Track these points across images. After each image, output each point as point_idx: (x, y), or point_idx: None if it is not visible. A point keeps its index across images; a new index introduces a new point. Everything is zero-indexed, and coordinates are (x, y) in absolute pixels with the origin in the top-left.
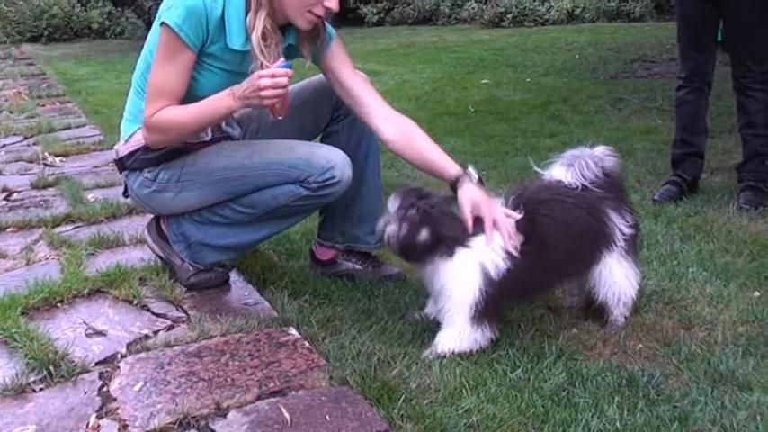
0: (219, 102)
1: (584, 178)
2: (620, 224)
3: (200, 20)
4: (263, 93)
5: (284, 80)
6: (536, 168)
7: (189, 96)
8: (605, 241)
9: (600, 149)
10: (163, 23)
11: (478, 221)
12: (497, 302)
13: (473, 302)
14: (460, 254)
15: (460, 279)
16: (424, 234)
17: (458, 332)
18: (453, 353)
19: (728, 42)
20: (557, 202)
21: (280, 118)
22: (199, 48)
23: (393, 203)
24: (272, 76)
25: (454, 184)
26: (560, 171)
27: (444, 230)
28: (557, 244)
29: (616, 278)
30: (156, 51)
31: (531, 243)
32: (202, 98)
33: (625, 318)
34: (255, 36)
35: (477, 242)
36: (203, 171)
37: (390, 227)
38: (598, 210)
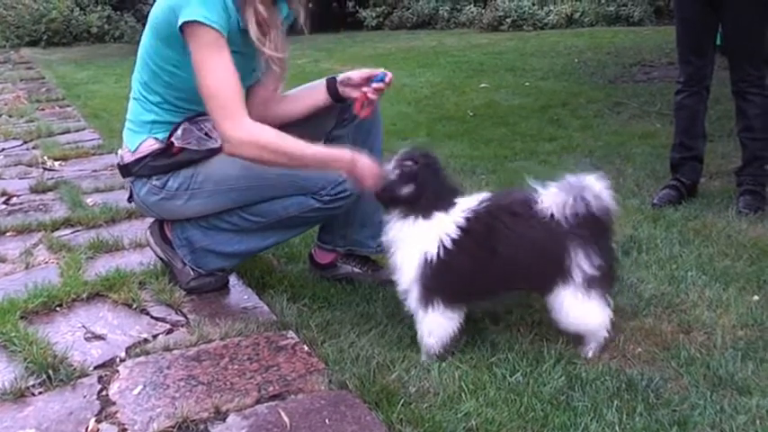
0: (338, 159)
1: (561, 214)
2: (582, 262)
3: (217, 3)
4: (361, 186)
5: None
6: (531, 182)
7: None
8: (559, 274)
9: (594, 184)
10: (189, 23)
11: None
12: (443, 284)
13: (416, 279)
14: (414, 223)
15: (408, 254)
16: (406, 190)
17: (421, 324)
18: (436, 346)
19: (727, 46)
20: (523, 221)
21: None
22: (227, 33)
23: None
24: (375, 183)
25: (331, 85)
26: (548, 195)
27: (424, 189)
28: (507, 255)
29: (571, 312)
30: (196, 55)
31: (484, 246)
32: None
33: (599, 344)
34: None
35: (431, 221)
36: (214, 179)
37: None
38: (560, 243)
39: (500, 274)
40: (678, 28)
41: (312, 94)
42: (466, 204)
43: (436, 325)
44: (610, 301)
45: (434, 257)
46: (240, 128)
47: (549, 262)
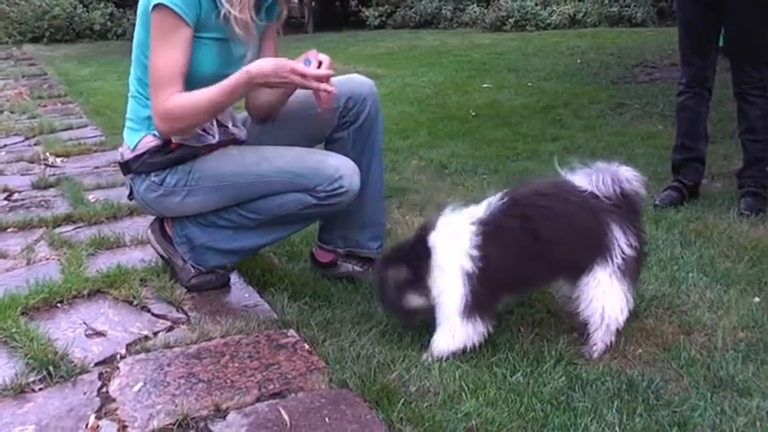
0: (237, 80)
1: (597, 190)
2: (621, 240)
3: None
4: (287, 80)
5: (312, 83)
6: (557, 168)
7: (189, 77)
8: (601, 250)
9: (624, 169)
10: (157, 5)
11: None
12: (488, 294)
13: (461, 295)
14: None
15: (446, 275)
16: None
17: (449, 329)
18: (449, 352)
19: (729, 48)
20: (559, 197)
21: (320, 109)
22: (195, 23)
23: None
24: (303, 76)
25: None
26: (579, 177)
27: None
28: (549, 236)
29: (602, 296)
30: (152, 36)
31: (523, 233)
32: (202, 77)
33: (606, 344)
34: None
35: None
36: (211, 176)
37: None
38: (601, 217)
39: (543, 257)
40: (680, 30)
41: None
42: (473, 210)
43: (463, 337)
44: (633, 295)
45: (473, 268)
46: (159, 102)
47: (592, 239)
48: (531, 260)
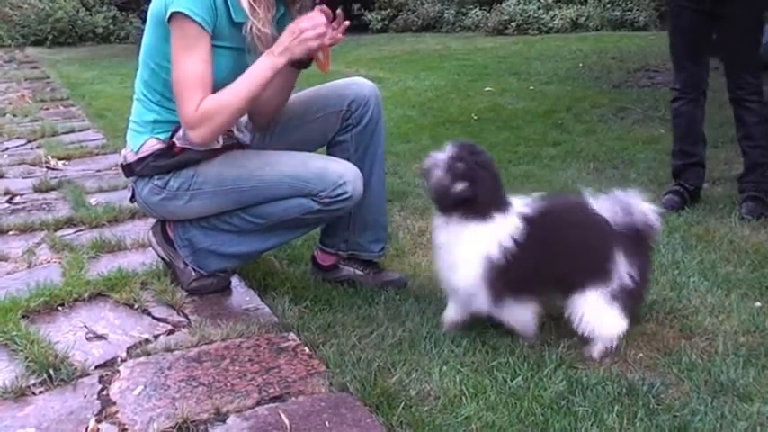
0: (262, 65)
1: (611, 218)
2: (622, 269)
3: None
4: (306, 35)
5: (322, 25)
6: (582, 190)
7: None
8: (596, 273)
9: (639, 202)
10: (175, 14)
11: None
12: (508, 283)
13: (482, 281)
14: (472, 226)
15: (467, 257)
16: (460, 187)
17: (502, 317)
18: (529, 329)
19: (724, 54)
20: (579, 222)
21: (328, 70)
22: (212, 29)
23: (449, 150)
24: (309, 18)
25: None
26: (599, 202)
27: (480, 191)
28: (552, 249)
29: (590, 313)
30: (174, 46)
31: (531, 240)
32: (215, 85)
33: (604, 352)
34: None
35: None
36: (214, 180)
37: (436, 171)
38: (608, 245)
39: (552, 271)
40: (674, 35)
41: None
42: (519, 206)
43: (516, 315)
44: (625, 322)
45: (497, 259)
46: (190, 109)
47: (589, 262)
48: (540, 267)
